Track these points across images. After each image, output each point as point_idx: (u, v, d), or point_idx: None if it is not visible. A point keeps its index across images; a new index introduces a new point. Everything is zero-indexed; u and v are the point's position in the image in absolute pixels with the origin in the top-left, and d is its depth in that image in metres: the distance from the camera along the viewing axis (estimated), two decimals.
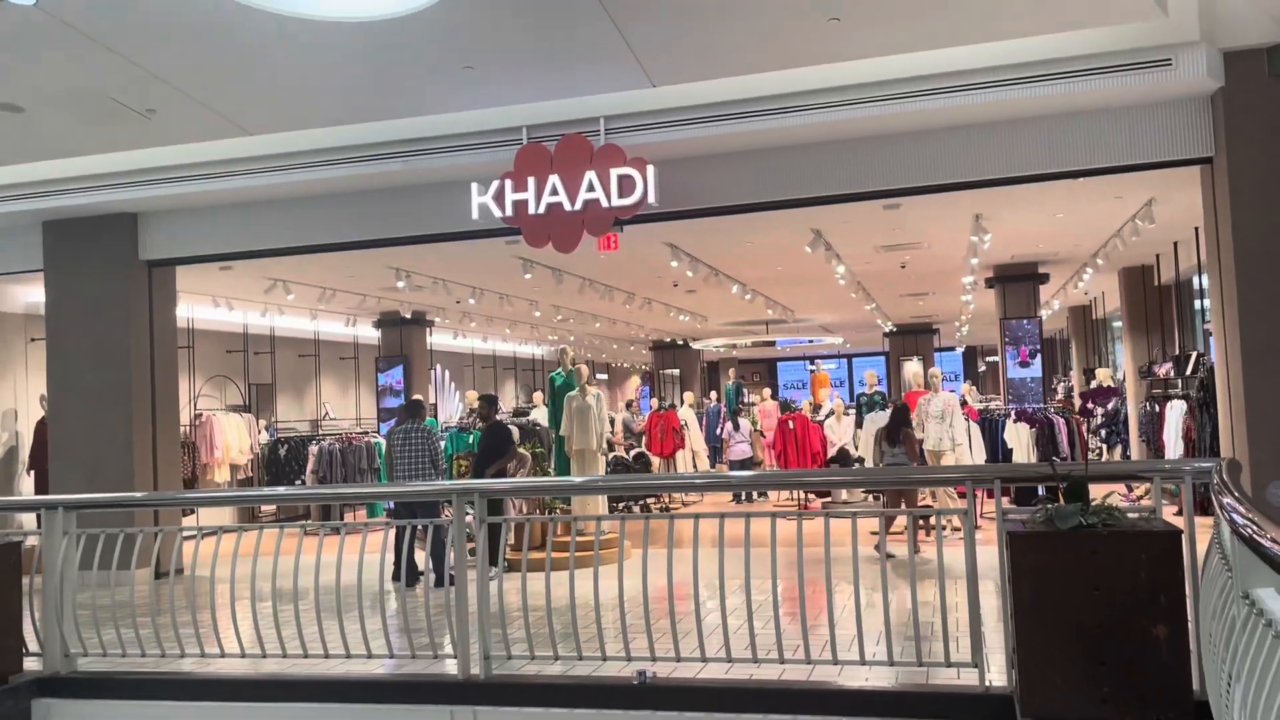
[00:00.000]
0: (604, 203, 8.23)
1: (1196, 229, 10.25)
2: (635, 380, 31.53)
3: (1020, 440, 11.80)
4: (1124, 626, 3.60)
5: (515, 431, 10.39)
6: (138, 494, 9.31)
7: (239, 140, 8.72)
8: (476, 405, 11.05)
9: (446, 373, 21.56)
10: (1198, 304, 13.12)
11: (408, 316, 16.80)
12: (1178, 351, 13.10)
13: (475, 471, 9.71)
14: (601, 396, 10.49)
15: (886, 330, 24.63)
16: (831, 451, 13.41)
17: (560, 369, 10.97)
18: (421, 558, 8.81)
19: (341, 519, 11.11)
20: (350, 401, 19.34)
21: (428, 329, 17.69)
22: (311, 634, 5.55)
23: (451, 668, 5.37)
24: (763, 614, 5.41)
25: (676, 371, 27.14)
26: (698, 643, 5.06)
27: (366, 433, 14.83)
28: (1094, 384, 16.00)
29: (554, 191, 8.32)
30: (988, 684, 4.51)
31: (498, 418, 10.46)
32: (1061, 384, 23.03)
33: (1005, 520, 4.01)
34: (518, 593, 6.24)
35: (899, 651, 4.88)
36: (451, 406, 19.98)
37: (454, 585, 5.39)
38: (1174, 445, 11.35)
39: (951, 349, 31.33)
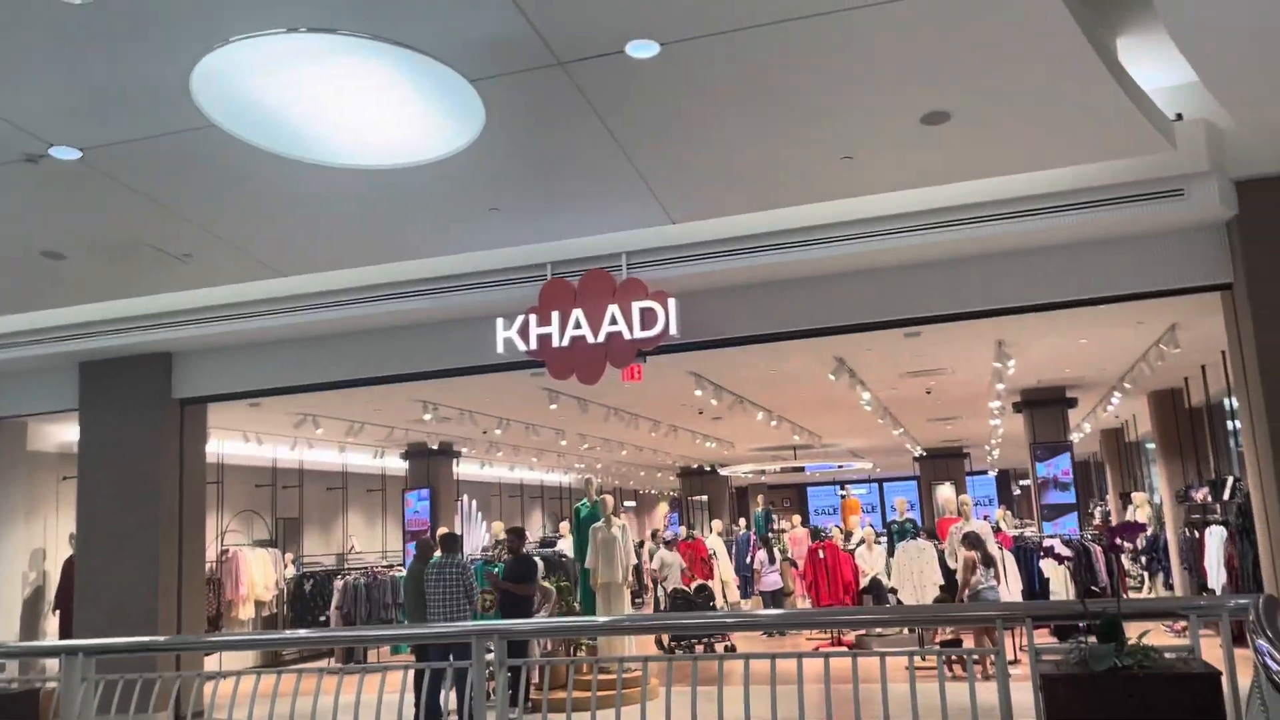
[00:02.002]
0: (626, 335, 8.34)
1: (1223, 352, 10.22)
2: (664, 507, 31.23)
3: (1057, 570, 11.50)
4: None
5: (540, 565, 10.27)
6: (160, 638, 9.23)
7: (270, 281, 8.99)
8: (504, 537, 10.97)
9: (474, 503, 21.49)
10: (1230, 425, 12.93)
11: (434, 447, 16.88)
12: (1214, 475, 12.85)
13: (501, 608, 9.58)
14: (627, 527, 10.39)
15: (916, 454, 24.40)
16: (864, 581, 13.12)
17: (585, 499, 10.92)
18: (451, 698, 8.63)
19: (365, 658, 10.93)
20: (377, 534, 19.27)
21: (455, 459, 17.74)
22: None
23: None
24: None
25: (705, 498, 26.88)
26: None
27: (392, 566, 14.72)
28: (1130, 509, 15.68)
29: (577, 325, 8.46)
30: None
31: (525, 550, 10.36)
32: (1099, 508, 22.58)
33: (1039, 661, 3.88)
34: None
35: None
36: (479, 537, 19.84)
37: None
38: (1216, 573, 11.03)
39: (984, 472, 30.93)
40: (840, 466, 27.48)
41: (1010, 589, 11.06)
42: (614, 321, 8.37)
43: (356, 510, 19.27)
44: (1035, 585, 11.49)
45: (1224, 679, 3.67)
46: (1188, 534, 12.48)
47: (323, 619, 13.09)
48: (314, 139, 6.12)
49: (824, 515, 32.06)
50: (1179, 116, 7.22)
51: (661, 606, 13.77)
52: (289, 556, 15.05)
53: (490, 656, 5.49)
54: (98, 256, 8.10)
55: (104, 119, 5.77)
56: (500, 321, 8.67)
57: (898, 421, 17.14)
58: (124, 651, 7.09)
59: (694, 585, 13.90)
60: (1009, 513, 22.02)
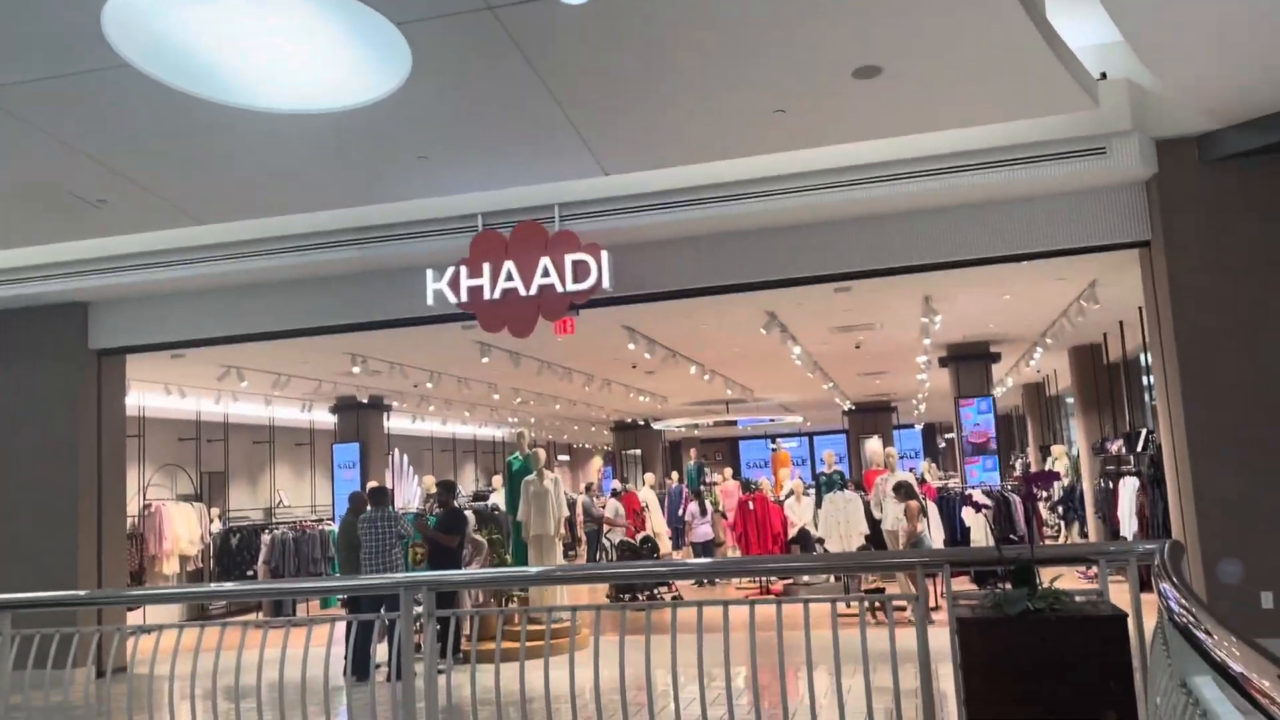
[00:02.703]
0: (559, 288, 8.29)
1: (1140, 309, 10.53)
2: (598, 461, 31.36)
3: (977, 519, 11.84)
4: (1073, 712, 3.58)
5: (471, 518, 10.25)
6: (80, 592, 9.02)
7: (191, 229, 8.72)
8: (435, 491, 10.92)
9: (405, 457, 21.34)
10: (1145, 381, 13.38)
11: (364, 401, 16.67)
12: (1128, 428, 13.30)
13: (430, 560, 9.56)
14: (560, 480, 10.41)
15: (845, 409, 24.81)
16: (792, 532, 13.37)
17: (517, 452, 10.90)
18: (383, 650, 8.60)
19: (294, 612, 10.84)
20: (305, 488, 19.04)
21: (385, 413, 17.55)
22: None
23: None
24: (723, 702, 5.31)
25: (638, 452, 27.06)
26: None
27: (321, 520, 14.56)
28: (1048, 460, 16.18)
29: (509, 277, 8.39)
30: None
31: (456, 504, 10.33)
32: (1019, 460, 23.28)
33: (956, 605, 4.00)
34: (472, 686, 6.09)
35: None
36: (410, 491, 19.72)
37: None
38: (1128, 522, 11.45)
39: (910, 426, 31.60)
40: (772, 420, 27.85)
41: (934, 538, 11.37)
42: (546, 274, 8.31)
43: (284, 464, 18.99)
44: (957, 534, 11.83)
45: (1130, 621, 3.82)
46: (1102, 484, 12.93)
47: (250, 574, 12.93)
48: (235, 82, 5.92)
49: (755, 468, 32.50)
50: (1103, 75, 7.36)
51: (610, 558, 13.90)
52: (215, 511, 14.80)
53: (420, 609, 5.48)
54: (7, 202, 7.77)
55: (13, 57, 5.50)
56: (430, 273, 8.55)
57: (828, 376, 17.39)
58: (43, 606, 6.93)
59: (639, 537, 14.03)
60: (934, 465, 22.58)
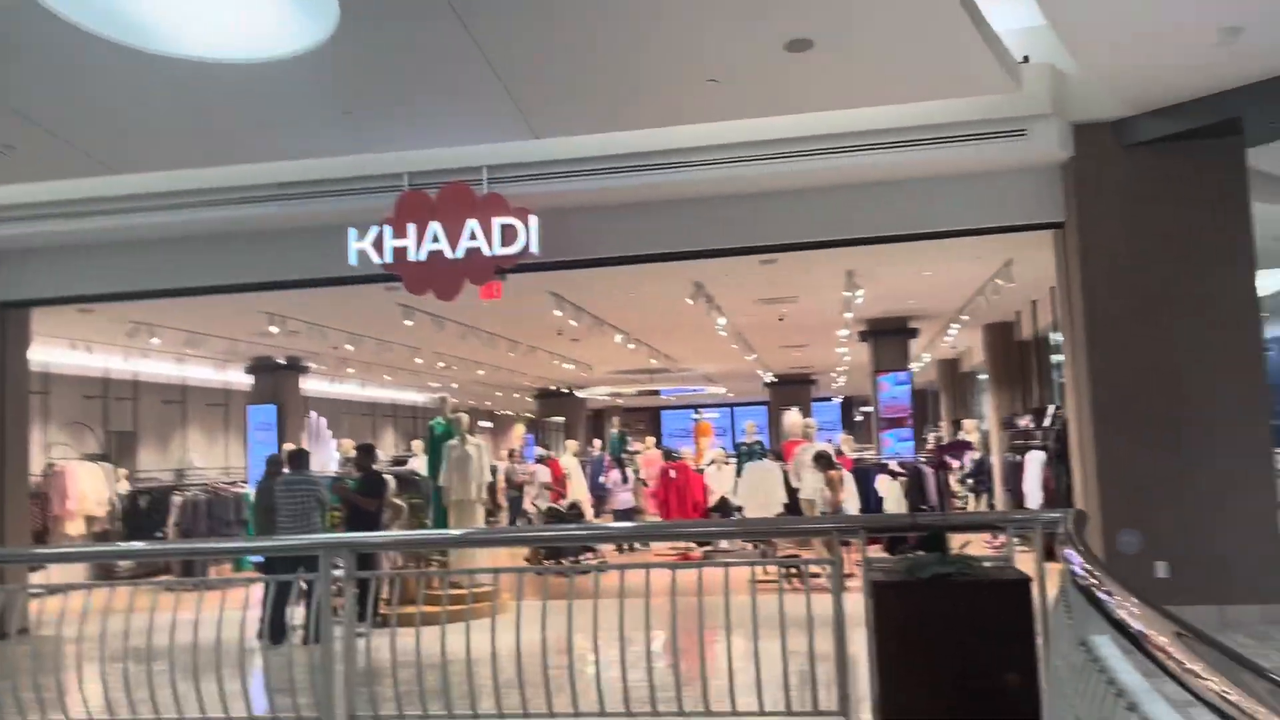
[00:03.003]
0: (486, 251, 8.22)
1: (1051, 289, 10.87)
2: (520, 429, 31.23)
3: (892, 490, 12.15)
4: (980, 671, 3.73)
5: (391, 482, 10.16)
6: None
7: (103, 179, 8.40)
8: (353, 454, 10.78)
9: (323, 420, 20.99)
10: (1054, 359, 13.83)
11: (281, 362, 16.33)
12: (1037, 404, 13.75)
13: (349, 524, 9.45)
14: (483, 446, 10.37)
15: (767, 381, 25.14)
16: (712, 500, 13.54)
17: (440, 417, 10.82)
18: (298, 614, 8.49)
19: (205, 574, 10.62)
20: (219, 450, 18.61)
21: (303, 375, 17.22)
22: (166, 697, 5.26)
23: None
24: (641, 665, 5.39)
25: (561, 420, 27.03)
26: (571, 698, 5.01)
27: (235, 483, 14.26)
28: (959, 434, 16.65)
29: (435, 239, 8.28)
30: None
31: (375, 468, 10.21)
32: (932, 434, 23.89)
33: (871, 570, 4.12)
34: (391, 649, 6.07)
35: (772, 701, 4.93)
36: (327, 455, 19.42)
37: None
38: (1033, 494, 11.86)
39: (829, 399, 32.15)
40: (694, 391, 28.08)
41: (850, 507, 11.62)
42: (473, 237, 8.23)
43: (197, 425, 18.52)
44: (871, 504, 12.12)
45: (1034, 585, 3.99)
46: (1010, 458, 13.36)
47: (159, 536, 12.61)
48: (154, 27, 5.70)
49: (677, 438, 32.76)
50: (1025, 59, 7.53)
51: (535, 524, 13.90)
52: (122, 472, 14.37)
53: (339, 573, 5.43)
54: None
55: None
56: (353, 232, 8.39)
57: (751, 347, 17.58)
58: None
59: (566, 504, 14.05)
60: (850, 437, 23.04)
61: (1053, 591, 3.90)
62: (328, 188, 8.54)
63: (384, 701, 5.30)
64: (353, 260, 8.40)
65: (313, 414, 20.03)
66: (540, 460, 14.98)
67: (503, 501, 16.00)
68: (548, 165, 8.29)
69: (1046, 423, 12.03)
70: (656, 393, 27.22)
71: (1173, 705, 1.95)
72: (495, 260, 8.23)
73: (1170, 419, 7.60)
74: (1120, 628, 2.04)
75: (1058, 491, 11.03)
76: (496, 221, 8.21)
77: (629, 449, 22.22)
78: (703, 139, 7.94)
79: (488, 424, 32.63)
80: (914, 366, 21.52)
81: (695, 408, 33.06)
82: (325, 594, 5.27)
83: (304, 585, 7.50)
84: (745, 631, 5.56)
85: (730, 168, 8.00)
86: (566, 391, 25.64)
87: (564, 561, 11.76)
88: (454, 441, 10.15)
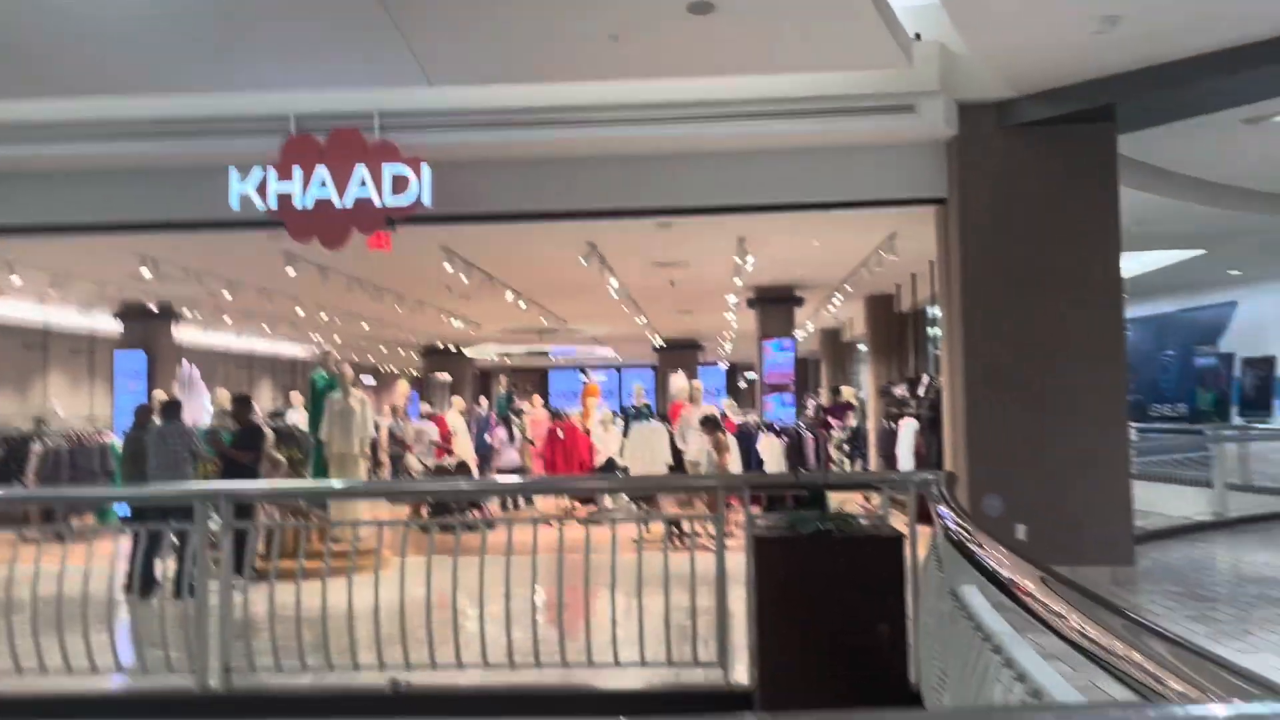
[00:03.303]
0: (376, 201, 8.02)
1: (931, 263, 11.25)
2: (404, 386, 30.71)
3: (772, 453, 12.45)
4: (852, 623, 3.89)
5: (270, 435, 9.88)
6: None
7: None
8: (229, 406, 10.43)
9: (196, 370, 20.20)
10: (931, 331, 14.36)
11: (154, 308, 15.62)
12: (912, 374, 14.27)
13: (225, 477, 9.16)
14: (367, 401, 10.17)
15: (656, 345, 25.35)
16: (599, 460, 13.62)
17: (322, 370, 10.56)
18: (168, 566, 8.22)
19: (68, 524, 10.13)
20: (83, 399, 17.75)
21: (176, 322, 16.53)
22: (28, 647, 5.05)
23: (189, 683, 5.04)
24: (526, 620, 5.44)
25: (447, 378, 26.69)
26: (455, 650, 5.01)
27: (100, 432, 13.62)
28: (848, 402, 17.15)
29: (322, 185, 8.03)
30: (731, 682, 4.74)
31: (253, 420, 9.91)
32: (813, 401, 24.54)
33: (753, 525, 4.23)
34: (268, 602, 5.95)
35: (652, 654, 5.04)
36: (200, 406, 18.73)
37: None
38: (906, 459, 12.33)
39: (715, 365, 32.64)
40: (584, 352, 28.10)
41: (733, 469, 11.87)
42: (363, 185, 8.01)
43: (59, 372, 17.60)
44: (753, 466, 12.40)
45: (906, 541, 4.17)
46: (886, 425, 13.85)
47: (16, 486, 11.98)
48: None
49: (566, 399, 32.77)
50: (918, 36, 7.74)
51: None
52: None
53: (215, 527, 5.28)
54: None
55: None
56: (235, 174, 8.07)
57: (641, 311, 17.67)
58: None
59: (453, 462, 13.89)
60: (734, 403, 23.46)
61: (924, 550, 4.09)
62: (209, 126, 8.18)
63: (260, 655, 5.20)
64: (234, 204, 8.08)
65: (185, 363, 19.25)
66: (425, 418, 14.79)
67: (385, 460, 15.76)
68: (444, 114, 8.12)
69: (921, 392, 12.51)
70: (545, 353, 27.12)
71: (1042, 654, 2.08)
72: (386, 211, 8.04)
73: (1036, 390, 8.00)
74: (991, 576, 2.16)
75: (929, 457, 11.49)
76: (388, 170, 8.01)
77: (516, 408, 22.12)
78: (601, 98, 7.90)
79: (371, 381, 32.00)
80: (798, 334, 22.06)
81: (583, 369, 33.11)
82: (201, 545, 5.13)
83: (175, 538, 7.27)
84: (629, 588, 5.67)
85: (627, 128, 8.00)
86: (453, 349, 25.31)
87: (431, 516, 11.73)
88: (336, 395, 9.92)
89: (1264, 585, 7.91)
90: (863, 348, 19.69)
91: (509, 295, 14.15)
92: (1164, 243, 13.60)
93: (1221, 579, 8.35)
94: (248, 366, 23.57)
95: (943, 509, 3.17)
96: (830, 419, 15.42)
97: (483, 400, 21.35)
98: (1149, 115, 8.07)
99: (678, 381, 14.05)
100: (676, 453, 12.07)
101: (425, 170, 8.03)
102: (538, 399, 20.96)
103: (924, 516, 5.14)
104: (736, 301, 15.30)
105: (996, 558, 2.18)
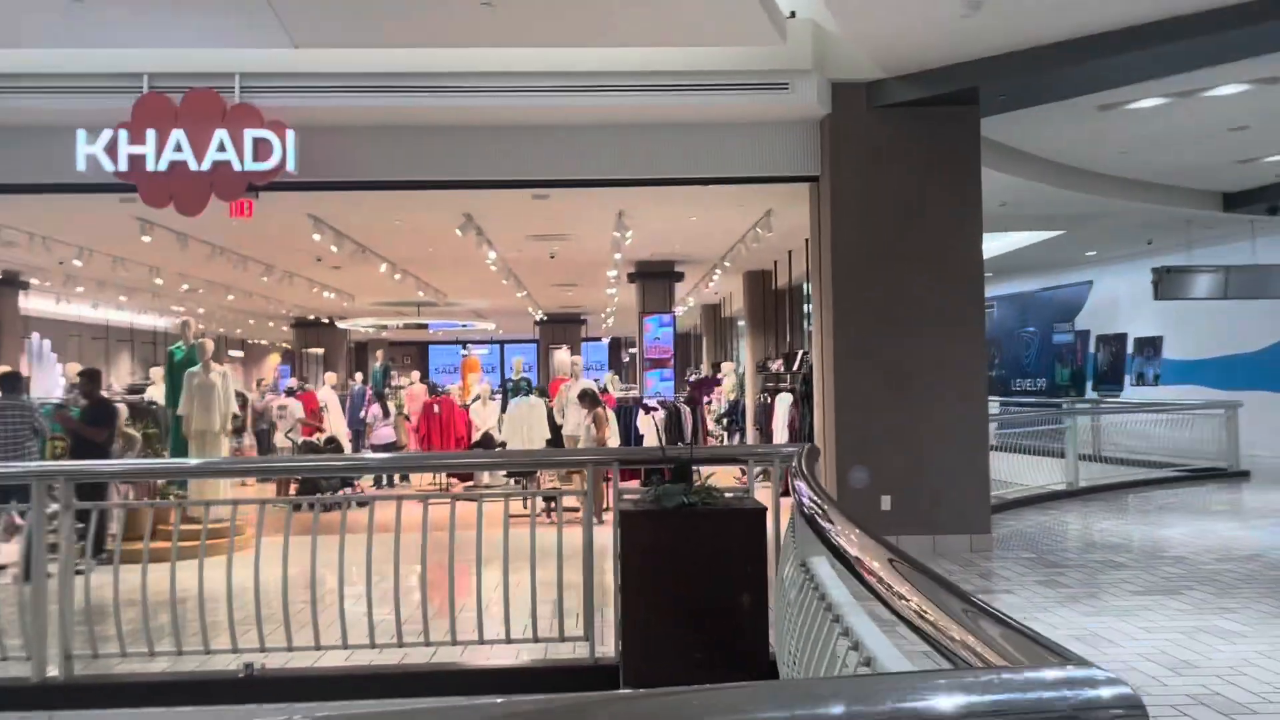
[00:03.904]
0: (236, 165, 7.67)
1: (806, 240, 11.45)
2: (275, 359, 29.74)
3: (650, 427, 12.52)
4: (715, 595, 3.93)
5: (124, 410, 9.40)
6: None
7: None
8: (78, 380, 9.86)
9: (46, 342, 19.09)
10: (805, 308, 14.65)
11: None
12: (788, 350, 14.55)
13: (74, 456, 8.67)
14: (229, 374, 9.76)
15: (538, 319, 25.17)
16: (476, 435, 13.45)
17: (181, 342, 10.08)
18: (10, 550, 7.73)
19: None
20: None
21: (22, 291, 15.55)
22: None
23: (26, 671, 4.75)
24: (389, 600, 5.31)
25: (320, 351, 25.94)
26: (314, 633, 4.86)
27: None
28: (718, 376, 17.41)
29: (178, 148, 7.64)
30: (597, 656, 4.74)
31: (103, 394, 9.41)
32: (693, 375, 24.81)
33: (621, 500, 4.22)
34: (114, 587, 5.66)
35: (521, 630, 4.99)
36: (51, 380, 17.71)
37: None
38: (780, 433, 12.59)
39: (598, 339, 32.67)
40: (464, 326, 27.69)
41: (613, 444, 11.89)
42: (222, 149, 7.65)
43: None
44: (633, 440, 12.45)
45: (770, 516, 4.23)
46: (763, 399, 14.09)
47: None
48: None
49: (445, 374, 32.27)
50: (793, 14, 7.81)
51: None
52: None
53: (54, 508, 4.98)
54: None
55: None
56: (82, 134, 7.59)
57: (522, 284, 17.48)
58: None
59: (324, 438, 13.50)
60: (616, 377, 23.54)
61: (785, 522, 4.16)
62: (55, 84, 7.68)
63: (105, 641, 4.94)
64: (80, 165, 7.61)
65: (34, 335, 18.18)
66: (290, 393, 14.30)
67: (249, 438, 15.22)
68: (309, 78, 7.82)
69: (795, 367, 12.76)
70: (424, 326, 26.59)
71: (879, 624, 2.11)
72: (246, 176, 7.70)
73: (902, 366, 8.23)
74: (839, 554, 2.18)
75: (802, 431, 11.75)
76: (249, 134, 7.67)
77: (393, 383, 21.67)
78: (473, 65, 7.73)
79: (238, 353, 30.87)
80: (679, 310, 22.21)
81: (464, 343, 32.69)
82: (38, 527, 4.83)
83: (18, 519, 6.84)
84: (498, 565, 5.61)
85: (499, 97, 7.86)
86: (326, 321, 24.57)
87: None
88: (196, 369, 9.48)
89: (1109, 550, 8.37)
90: (742, 323, 19.97)
91: (383, 266, 13.78)
92: (1027, 224, 14.19)
93: (1071, 545, 8.80)
94: (104, 338, 22.36)
95: (800, 484, 3.20)
96: (700, 393, 15.61)
97: (358, 375, 20.87)
98: (1011, 99, 8.35)
99: (559, 357, 13.98)
100: (556, 428, 12.02)
101: (290, 135, 7.71)
102: (415, 373, 20.59)
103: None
104: (616, 275, 15.27)
105: (846, 535, 2.20)
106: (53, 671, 4.70)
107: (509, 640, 4.92)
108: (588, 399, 10.69)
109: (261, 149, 7.66)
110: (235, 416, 10.41)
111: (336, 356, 25.91)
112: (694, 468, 4.40)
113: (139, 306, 19.73)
